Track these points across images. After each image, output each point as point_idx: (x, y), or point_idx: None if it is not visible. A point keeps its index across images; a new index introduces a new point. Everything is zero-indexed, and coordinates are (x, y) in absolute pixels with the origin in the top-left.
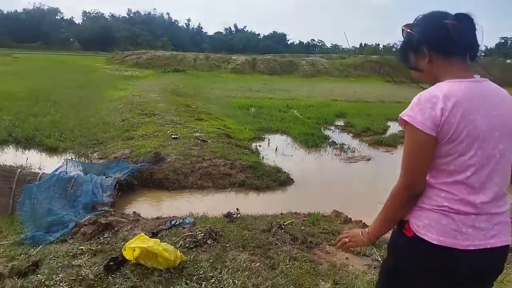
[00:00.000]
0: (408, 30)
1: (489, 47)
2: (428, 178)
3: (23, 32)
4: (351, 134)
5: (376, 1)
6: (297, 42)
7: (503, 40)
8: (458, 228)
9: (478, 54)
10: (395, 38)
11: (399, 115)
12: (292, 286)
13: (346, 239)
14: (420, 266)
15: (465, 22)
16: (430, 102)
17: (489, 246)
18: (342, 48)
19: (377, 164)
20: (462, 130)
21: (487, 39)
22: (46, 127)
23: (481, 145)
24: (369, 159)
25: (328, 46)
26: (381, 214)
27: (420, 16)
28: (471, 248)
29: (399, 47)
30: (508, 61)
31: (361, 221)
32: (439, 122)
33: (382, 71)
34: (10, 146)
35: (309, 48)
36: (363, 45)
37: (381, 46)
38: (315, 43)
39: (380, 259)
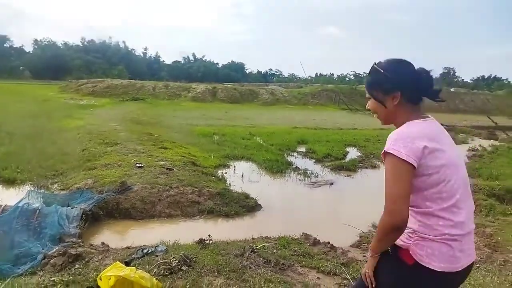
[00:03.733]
0: (382, 71)
1: (434, 77)
2: (426, 209)
3: None
4: (313, 160)
5: (328, 33)
6: (255, 71)
7: (446, 70)
8: (454, 254)
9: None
10: (348, 68)
11: (384, 150)
12: None
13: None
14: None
15: (428, 75)
16: (409, 137)
17: (466, 265)
18: (299, 78)
19: (340, 187)
20: (442, 161)
21: (432, 69)
22: (1, 159)
23: (456, 171)
24: (331, 183)
25: (286, 76)
26: (376, 236)
27: (395, 60)
28: (460, 269)
29: (369, 82)
30: (452, 89)
31: (329, 242)
32: (420, 155)
33: (338, 99)
34: None
35: (267, 77)
36: (318, 74)
37: (335, 75)
38: (273, 72)
39: (349, 277)
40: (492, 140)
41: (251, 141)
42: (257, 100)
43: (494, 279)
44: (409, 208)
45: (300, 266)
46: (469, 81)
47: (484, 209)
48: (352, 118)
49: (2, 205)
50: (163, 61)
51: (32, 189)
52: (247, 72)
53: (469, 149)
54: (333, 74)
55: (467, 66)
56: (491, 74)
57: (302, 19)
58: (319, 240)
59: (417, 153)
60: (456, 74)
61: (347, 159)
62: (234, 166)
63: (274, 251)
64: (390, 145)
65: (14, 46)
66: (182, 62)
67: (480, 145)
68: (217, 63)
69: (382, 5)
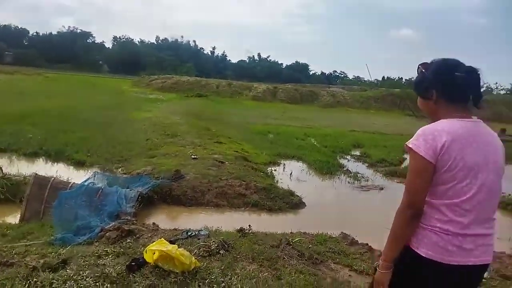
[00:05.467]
0: (423, 70)
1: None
2: (430, 200)
3: (55, 53)
4: (366, 164)
5: (401, 35)
6: (319, 72)
7: None
8: (444, 245)
9: (480, 103)
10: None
11: (405, 143)
12: None
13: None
14: (412, 272)
15: (472, 75)
16: (432, 134)
17: (470, 264)
18: (364, 81)
19: (389, 193)
20: (459, 162)
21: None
22: (75, 143)
23: (476, 175)
24: (381, 189)
25: (350, 78)
26: (389, 236)
27: (436, 60)
28: (453, 263)
29: (414, 81)
30: None
31: (367, 244)
32: (439, 152)
33: (403, 104)
34: (41, 159)
35: (330, 79)
36: (385, 78)
37: (403, 79)
38: (337, 74)
39: None
40: None
41: (305, 141)
42: (317, 101)
43: None
44: None
45: (334, 263)
46: None
47: None
48: (416, 124)
49: (70, 183)
50: (229, 60)
51: (99, 171)
52: (311, 73)
53: None
54: (401, 78)
55: None
56: None
57: (373, 20)
58: (357, 240)
59: (435, 150)
60: None
61: (403, 166)
62: (284, 164)
63: (309, 246)
64: (413, 140)
65: (96, 42)
66: (247, 61)
67: None
68: (281, 64)
69: (460, 7)
